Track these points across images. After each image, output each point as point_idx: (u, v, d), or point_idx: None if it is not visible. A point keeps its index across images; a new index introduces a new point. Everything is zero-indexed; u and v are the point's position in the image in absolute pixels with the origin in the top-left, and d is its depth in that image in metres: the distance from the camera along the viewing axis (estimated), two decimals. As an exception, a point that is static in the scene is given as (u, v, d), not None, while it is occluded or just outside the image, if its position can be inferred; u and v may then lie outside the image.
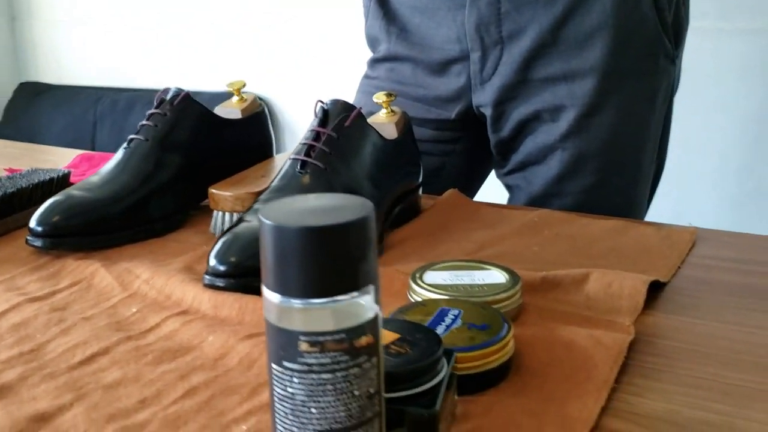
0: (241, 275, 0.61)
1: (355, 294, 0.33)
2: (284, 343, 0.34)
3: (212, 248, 0.63)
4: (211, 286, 0.61)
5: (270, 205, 0.35)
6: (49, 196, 0.84)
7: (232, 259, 0.61)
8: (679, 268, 0.66)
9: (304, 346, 0.33)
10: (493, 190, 1.03)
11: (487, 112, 0.92)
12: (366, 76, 1.04)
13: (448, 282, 0.58)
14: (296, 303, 0.33)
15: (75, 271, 0.68)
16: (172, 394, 0.47)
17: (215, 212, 0.78)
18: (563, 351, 0.51)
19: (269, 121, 0.94)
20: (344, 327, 0.33)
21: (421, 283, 0.57)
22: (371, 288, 0.34)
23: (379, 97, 0.81)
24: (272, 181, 0.77)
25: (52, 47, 2.67)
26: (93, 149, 2.37)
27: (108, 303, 0.61)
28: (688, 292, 0.62)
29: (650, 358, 0.51)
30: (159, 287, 0.63)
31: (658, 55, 0.87)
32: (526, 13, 0.85)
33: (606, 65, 0.85)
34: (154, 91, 2.39)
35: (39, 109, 2.55)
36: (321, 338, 0.33)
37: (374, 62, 1.02)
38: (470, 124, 0.96)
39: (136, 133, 0.81)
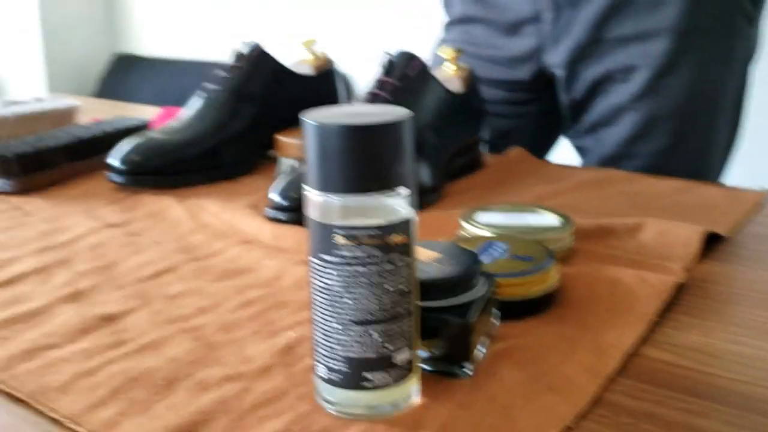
0: (300, 209, 0.63)
1: (389, 192, 0.35)
2: (322, 237, 0.36)
3: (274, 185, 0.66)
4: (273, 219, 0.64)
5: (314, 110, 0.37)
6: (132, 141, 0.89)
7: (292, 194, 0.64)
8: (743, 226, 0.65)
9: (340, 240, 0.35)
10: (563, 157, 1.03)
11: (559, 72, 0.91)
12: (441, 40, 1.05)
13: (500, 223, 0.59)
14: (334, 198, 0.35)
15: (150, 204, 0.72)
16: (228, 305, 0.50)
17: (280, 158, 0.81)
18: (607, 287, 0.51)
19: (337, 79, 0.97)
20: (378, 224, 0.35)
21: (472, 222, 0.58)
22: (405, 190, 0.36)
23: (446, 52, 0.82)
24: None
25: (150, 18, 2.78)
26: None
27: (177, 231, 0.65)
28: (749, 247, 0.61)
29: (698, 300, 0.51)
30: (225, 219, 0.67)
31: (735, 15, 0.85)
32: (600, -28, 0.85)
33: (681, 24, 0.83)
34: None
35: (130, 81, 2.66)
36: (356, 232, 0.35)
37: (449, 25, 1.03)
38: (542, 86, 0.96)
39: (215, 83, 0.85)
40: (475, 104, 0.82)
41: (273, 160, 0.85)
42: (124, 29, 2.85)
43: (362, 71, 2.16)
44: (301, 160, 0.79)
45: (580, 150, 0.97)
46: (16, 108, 0.94)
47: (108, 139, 0.86)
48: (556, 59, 0.91)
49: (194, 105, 0.85)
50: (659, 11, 0.83)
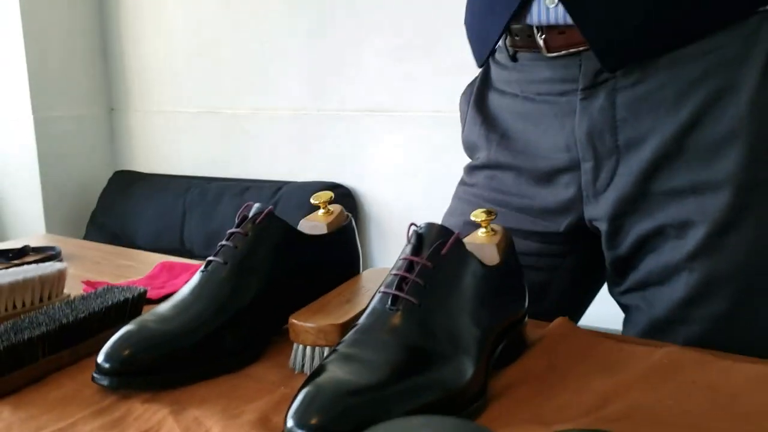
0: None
1: None
2: None
3: (291, 404, 0.54)
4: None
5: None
6: (123, 318, 0.79)
7: (313, 422, 0.53)
8: None
9: None
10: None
11: (602, 226, 0.82)
12: (463, 183, 0.97)
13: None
14: None
15: (141, 419, 0.61)
16: None
17: (295, 345, 0.70)
18: None
19: (356, 235, 0.87)
20: None
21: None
22: None
23: (478, 216, 0.73)
24: (360, 316, 0.69)
25: (147, 137, 2.74)
26: (182, 238, 2.38)
27: (172, 466, 0.54)
28: None
29: None
30: (229, 448, 0.55)
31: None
32: (646, 120, 0.76)
33: (742, 176, 0.74)
34: (242, 181, 2.42)
35: (132, 197, 2.59)
36: None
37: (472, 169, 0.94)
38: (581, 238, 0.86)
39: (215, 255, 0.75)
40: (516, 273, 0.72)
41: (285, 338, 0.75)
42: (124, 147, 2.81)
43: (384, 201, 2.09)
44: (320, 346, 0.68)
45: (626, 308, 0.86)
46: (2, 277, 0.84)
47: (96, 321, 0.76)
48: (597, 212, 0.81)
49: (192, 281, 0.75)
50: (717, 162, 0.74)
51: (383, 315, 0.61)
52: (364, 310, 0.71)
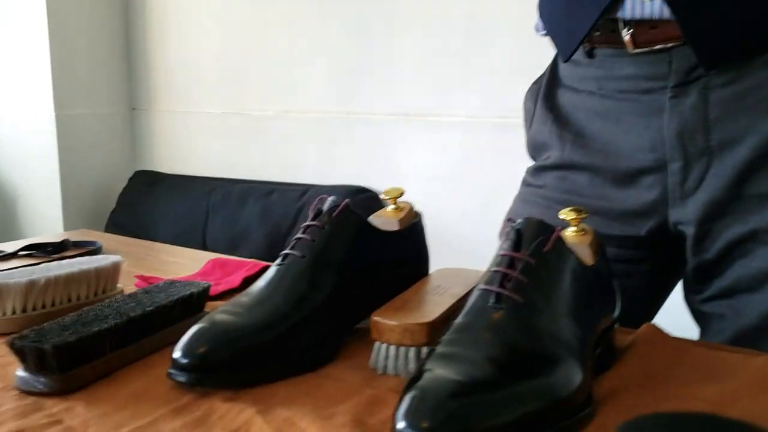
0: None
1: None
2: None
3: (398, 407, 0.51)
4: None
5: None
6: (189, 314, 0.76)
7: (425, 425, 0.49)
8: None
9: None
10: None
11: (689, 230, 0.78)
12: (528, 184, 0.93)
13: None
14: None
15: (226, 418, 0.57)
16: None
17: (376, 344, 0.67)
18: None
19: (425, 233, 0.84)
20: None
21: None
22: None
23: (567, 214, 0.69)
24: (447, 316, 0.66)
25: (169, 137, 2.71)
26: (204, 240, 2.35)
27: (270, 469, 0.50)
28: None
29: None
30: (330, 451, 0.51)
31: None
32: (742, 119, 0.73)
33: (843, 180, 0.71)
34: (267, 184, 2.38)
35: (152, 198, 2.56)
36: None
37: (540, 170, 0.91)
38: (660, 243, 0.82)
39: (291, 248, 0.72)
40: (608, 277, 0.69)
41: (357, 340, 0.71)
42: (145, 147, 2.78)
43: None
44: (405, 346, 0.65)
45: (705, 316, 0.83)
46: (55, 269, 0.80)
47: (162, 315, 0.72)
48: (684, 215, 0.78)
49: (267, 275, 0.71)
50: (818, 164, 0.71)
51: (484, 313, 0.58)
52: (451, 309, 0.68)
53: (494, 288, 0.58)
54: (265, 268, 0.96)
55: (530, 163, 0.95)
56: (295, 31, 2.32)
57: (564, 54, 0.84)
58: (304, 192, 2.25)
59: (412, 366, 0.65)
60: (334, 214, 0.73)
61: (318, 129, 2.31)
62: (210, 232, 2.33)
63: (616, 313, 0.68)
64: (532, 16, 0.92)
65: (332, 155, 2.29)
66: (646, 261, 0.85)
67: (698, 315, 0.84)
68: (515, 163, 1.86)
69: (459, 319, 0.59)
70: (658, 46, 0.76)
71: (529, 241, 0.61)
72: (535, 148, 0.92)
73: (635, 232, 0.82)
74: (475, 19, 1.95)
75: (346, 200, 0.74)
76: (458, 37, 1.97)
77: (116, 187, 2.69)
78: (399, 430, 0.49)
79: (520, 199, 0.94)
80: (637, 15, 0.74)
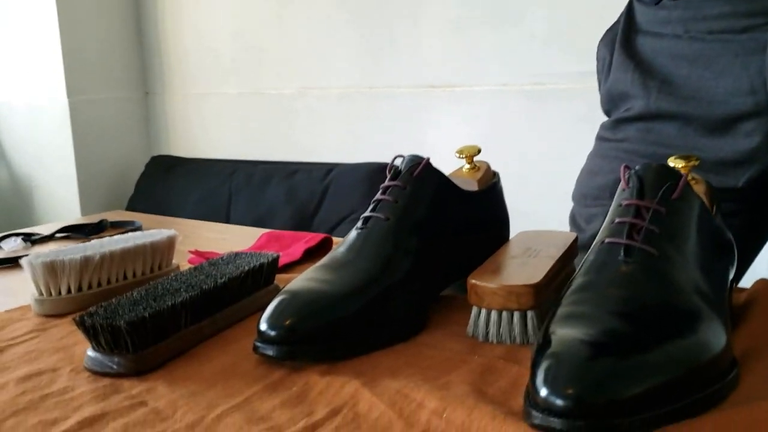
0: (589, 413, 0.42)
1: None
2: None
3: (534, 375, 0.45)
4: (546, 429, 0.43)
5: None
6: (259, 286, 0.70)
7: (570, 391, 0.43)
8: None
9: None
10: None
11: (795, 178, 0.72)
12: (606, 139, 0.87)
13: None
14: None
15: (327, 392, 0.51)
16: None
17: (475, 309, 0.61)
18: None
19: (504, 194, 0.78)
20: None
21: None
22: None
23: (676, 162, 0.63)
24: (552, 277, 0.60)
25: (185, 121, 2.65)
26: (228, 223, 2.29)
27: (396, 447, 0.44)
28: None
29: None
30: (461, 425, 0.45)
31: None
32: None
33: None
34: (290, 164, 2.32)
35: (171, 183, 2.50)
36: None
37: (619, 122, 0.84)
38: (758, 194, 0.76)
39: (372, 210, 0.65)
40: (725, 230, 0.62)
41: (446, 306, 0.65)
42: (161, 132, 2.71)
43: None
44: (510, 310, 0.59)
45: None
46: (111, 244, 0.75)
47: (233, 288, 0.66)
48: (790, 162, 0.72)
49: (348, 240, 0.65)
50: None
51: (612, 268, 0.51)
52: (553, 270, 0.62)
53: (623, 240, 0.52)
54: (326, 240, 0.90)
55: (601, 119, 0.89)
56: (312, 4, 2.24)
57: None
58: (329, 171, 2.19)
59: (517, 332, 0.59)
60: (416, 173, 0.67)
61: (340, 105, 2.24)
62: (234, 215, 2.27)
63: (734, 269, 0.62)
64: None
65: (356, 132, 2.22)
66: (740, 215, 0.78)
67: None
68: (552, 131, 1.81)
69: (579, 279, 0.53)
70: None
71: (655, 188, 0.54)
72: (612, 100, 0.86)
73: (732, 183, 0.76)
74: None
75: (427, 157, 0.68)
76: (485, 5, 1.90)
77: (133, 173, 2.63)
78: (543, 399, 0.43)
79: (598, 155, 0.88)
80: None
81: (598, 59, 0.89)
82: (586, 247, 0.57)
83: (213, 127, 2.56)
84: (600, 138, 0.88)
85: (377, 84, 2.16)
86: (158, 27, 2.65)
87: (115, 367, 0.56)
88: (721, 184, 0.77)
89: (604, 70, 0.87)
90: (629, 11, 0.86)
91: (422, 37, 2.04)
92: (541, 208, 1.57)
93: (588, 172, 0.88)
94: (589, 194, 0.86)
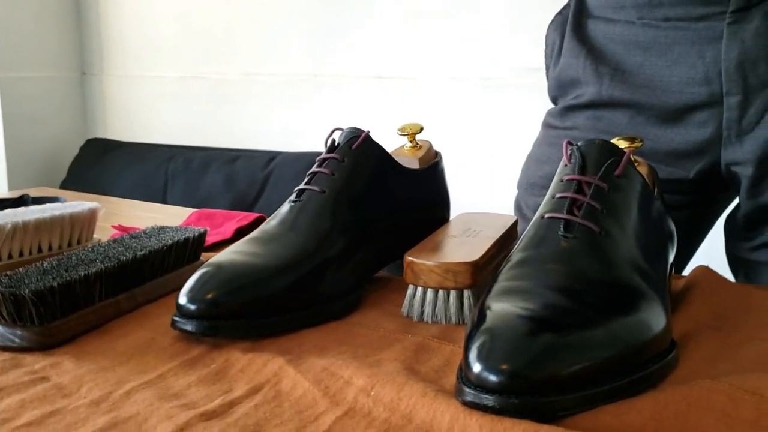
0: (525, 390, 0.40)
1: None
2: None
3: (469, 347, 0.42)
4: (478, 406, 0.41)
5: None
6: (184, 262, 0.66)
7: (505, 367, 0.40)
8: None
9: None
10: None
11: (745, 171, 0.71)
12: (553, 127, 0.85)
13: None
14: None
15: (249, 370, 0.48)
16: None
17: (411, 288, 0.58)
18: None
19: (445, 174, 0.75)
20: None
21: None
22: None
23: (620, 142, 0.61)
24: (491, 256, 0.58)
25: (123, 104, 2.56)
26: (164, 210, 2.21)
27: (319, 425, 0.41)
28: None
29: None
30: (389, 402, 0.43)
31: None
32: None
33: None
34: (231, 151, 2.26)
35: (105, 166, 2.41)
36: None
37: (567, 110, 0.82)
38: (707, 186, 0.75)
39: (307, 183, 0.62)
40: (666, 215, 0.61)
41: (381, 285, 0.63)
42: (97, 114, 2.62)
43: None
44: (446, 288, 0.56)
45: (750, 265, 0.76)
46: (26, 214, 0.69)
47: (156, 261, 0.62)
48: (740, 155, 0.71)
49: (280, 212, 0.62)
50: None
51: (552, 243, 0.49)
52: (492, 249, 0.59)
53: (563, 215, 0.50)
54: (259, 219, 0.86)
55: (547, 107, 0.88)
56: (260, -11, 2.19)
57: None
58: (271, 159, 2.14)
59: (453, 312, 0.57)
60: (355, 145, 0.64)
61: (285, 93, 2.19)
62: (170, 201, 2.19)
63: (675, 251, 0.61)
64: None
65: (300, 120, 2.18)
66: (688, 207, 0.78)
67: (742, 264, 0.77)
68: (501, 123, 1.80)
69: (518, 254, 0.51)
70: None
71: (597, 164, 0.53)
72: (561, 86, 0.84)
73: (682, 174, 0.75)
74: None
75: (367, 130, 0.65)
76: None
77: (66, 156, 2.52)
78: (476, 375, 0.40)
79: (545, 143, 0.86)
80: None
81: (546, 44, 0.87)
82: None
83: (152, 111, 2.48)
84: (547, 125, 0.86)
85: (324, 72, 2.12)
86: (98, 3, 2.55)
87: (17, 340, 0.51)
88: (672, 176, 0.76)
89: (553, 55, 0.85)
90: (580, -7, 0.84)
91: (374, 27, 2.01)
92: (485, 195, 1.55)
93: (536, 161, 0.86)
94: (537, 183, 0.84)
